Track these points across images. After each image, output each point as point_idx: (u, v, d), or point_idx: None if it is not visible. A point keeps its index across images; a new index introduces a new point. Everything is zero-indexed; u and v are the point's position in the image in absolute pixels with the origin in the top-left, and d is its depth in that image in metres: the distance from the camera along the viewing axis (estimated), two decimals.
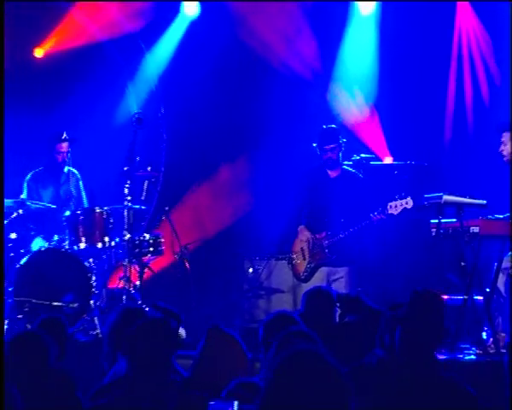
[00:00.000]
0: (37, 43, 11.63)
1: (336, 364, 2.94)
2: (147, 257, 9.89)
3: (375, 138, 11.33)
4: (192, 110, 11.68)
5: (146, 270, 9.95)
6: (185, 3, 11.84)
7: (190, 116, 11.71)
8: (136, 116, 9.87)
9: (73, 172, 10.50)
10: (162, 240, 9.95)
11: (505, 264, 8.88)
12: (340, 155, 9.57)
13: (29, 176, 10.38)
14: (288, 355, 2.96)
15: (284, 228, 10.27)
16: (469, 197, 8.91)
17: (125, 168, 9.70)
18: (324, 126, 9.66)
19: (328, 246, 9.40)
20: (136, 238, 9.81)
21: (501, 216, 8.86)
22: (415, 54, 11.25)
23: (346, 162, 9.92)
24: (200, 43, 11.64)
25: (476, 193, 9.08)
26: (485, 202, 8.93)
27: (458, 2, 11.41)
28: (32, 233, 10.01)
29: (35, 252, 9.58)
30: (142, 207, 10.13)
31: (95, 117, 11.50)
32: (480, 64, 11.32)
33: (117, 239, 9.84)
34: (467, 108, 11.32)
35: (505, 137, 9.22)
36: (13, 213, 9.70)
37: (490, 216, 8.89)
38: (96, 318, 9.34)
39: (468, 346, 8.81)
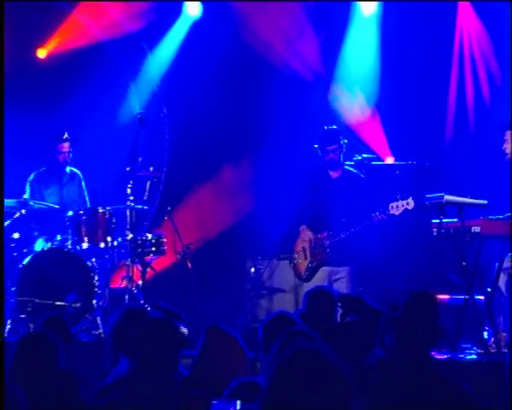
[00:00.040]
0: (40, 43, 11.65)
1: (339, 363, 2.93)
2: (149, 257, 9.90)
3: (376, 138, 11.35)
4: (194, 110, 11.69)
5: (148, 270, 9.97)
6: (187, 4, 11.86)
7: (192, 116, 11.72)
8: (139, 116, 9.89)
9: (76, 173, 10.52)
10: (164, 240, 9.96)
11: (506, 264, 8.90)
12: (342, 155, 9.58)
13: (32, 177, 10.40)
14: (290, 354, 2.95)
15: (286, 228, 10.27)
16: (470, 197, 8.93)
17: (128, 168, 9.71)
18: (325, 127, 9.67)
19: (329, 246, 9.42)
20: (139, 238, 9.82)
21: (501, 216, 8.89)
22: (416, 54, 11.25)
23: (347, 162, 9.93)
24: (203, 44, 11.65)
25: (477, 193, 9.10)
26: (486, 201, 8.94)
27: (459, 3, 11.42)
28: (36, 234, 10.03)
29: (38, 252, 9.61)
30: (145, 207, 10.15)
31: (97, 117, 11.52)
32: (482, 64, 11.32)
33: (119, 239, 9.85)
34: (468, 109, 11.32)
35: (508, 135, 9.24)
36: (16, 213, 9.72)
37: (491, 216, 8.91)
38: (98, 317, 9.35)
39: (469, 345, 8.83)
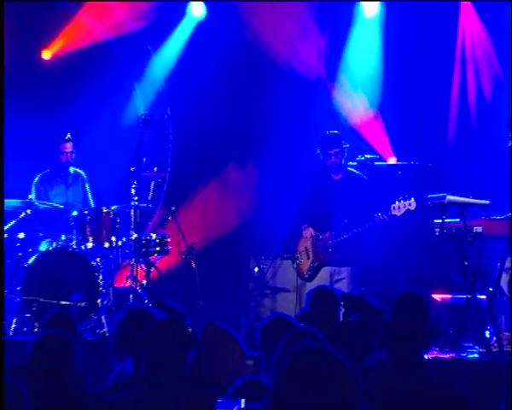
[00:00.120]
0: (45, 45, 11.67)
1: (346, 362, 2.92)
2: (153, 257, 9.93)
3: (379, 139, 11.37)
4: (198, 112, 11.70)
5: (152, 269, 10.00)
6: (191, 5, 11.88)
7: (196, 117, 11.74)
8: (143, 117, 9.91)
9: (79, 173, 10.54)
10: (168, 240, 9.99)
11: (508, 264, 8.94)
12: (344, 159, 9.60)
13: (37, 179, 10.43)
14: (298, 354, 2.93)
15: (289, 228, 10.29)
16: (472, 197, 8.97)
17: (132, 169, 9.73)
18: (327, 132, 9.69)
19: (331, 246, 9.45)
20: (143, 238, 9.86)
21: (503, 216, 8.91)
22: (418, 55, 11.27)
23: (350, 163, 9.96)
24: (207, 45, 11.66)
25: (479, 193, 9.13)
26: (488, 202, 8.98)
27: (461, 4, 11.43)
28: (41, 234, 10.08)
29: (43, 252, 9.64)
30: (150, 206, 10.18)
31: (102, 118, 11.53)
32: (484, 65, 11.34)
33: (124, 239, 9.89)
34: (470, 109, 11.34)
35: None
36: (21, 214, 9.76)
37: (493, 217, 8.95)
38: (103, 317, 9.39)
39: (471, 345, 8.86)
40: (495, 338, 8.76)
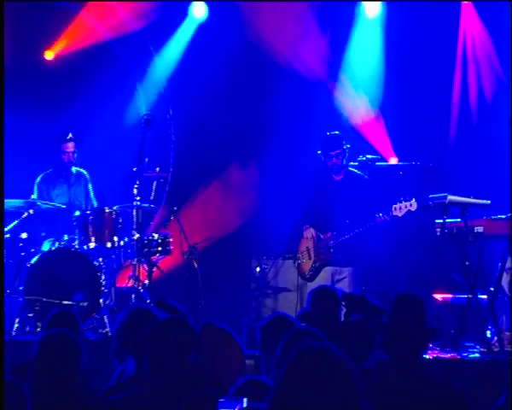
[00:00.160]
0: (48, 45, 11.69)
1: (347, 361, 2.92)
2: (155, 256, 9.95)
3: (380, 139, 11.38)
4: (200, 112, 11.72)
5: (155, 269, 10.02)
6: (193, 6, 11.90)
7: (198, 118, 11.76)
8: (145, 118, 9.93)
9: (82, 173, 10.54)
10: (171, 240, 10.00)
11: (509, 264, 8.95)
12: (345, 160, 9.61)
13: (39, 178, 10.44)
14: (300, 353, 2.93)
15: (291, 228, 10.31)
16: (473, 197, 8.98)
17: (134, 169, 9.74)
18: (328, 133, 9.70)
19: (333, 246, 9.46)
20: (145, 238, 9.87)
21: (504, 216, 8.93)
22: (420, 55, 11.29)
23: (351, 163, 9.98)
24: (209, 46, 11.68)
25: (480, 193, 9.15)
26: (489, 202, 9.00)
27: (462, 4, 11.45)
28: (43, 234, 10.11)
29: (45, 251, 9.66)
30: (152, 206, 10.20)
31: (104, 118, 11.55)
32: (485, 65, 11.35)
33: (126, 239, 9.90)
34: (471, 109, 11.35)
35: None
36: (23, 213, 9.78)
37: (494, 216, 8.96)
38: (105, 316, 9.39)
39: (472, 344, 8.88)
40: (496, 338, 8.78)
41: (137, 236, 9.74)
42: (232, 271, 11.09)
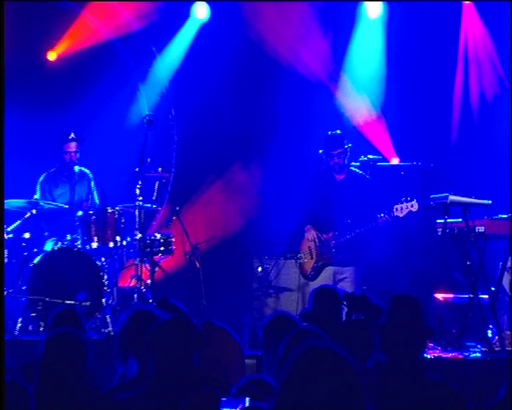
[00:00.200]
0: (50, 45, 11.70)
1: (351, 360, 2.94)
2: (158, 256, 9.96)
3: (381, 139, 11.40)
4: (202, 112, 11.75)
5: (157, 269, 10.04)
6: (195, 7, 11.92)
7: (200, 118, 11.78)
8: (148, 118, 9.94)
9: (85, 172, 10.56)
10: (173, 239, 10.03)
11: (510, 263, 8.98)
12: (346, 159, 9.63)
13: (42, 177, 10.46)
14: (303, 352, 2.94)
15: (292, 228, 10.33)
16: (475, 198, 9.00)
17: (137, 169, 9.76)
18: (330, 132, 9.72)
19: (335, 246, 9.48)
20: (148, 238, 9.89)
21: (505, 216, 8.95)
22: (421, 56, 11.31)
23: (353, 163, 10.00)
24: (211, 46, 11.71)
25: (481, 193, 9.17)
26: (490, 202, 9.01)
27: (464, 5, 11.46)
28: (46, 234, 10.14)
29: (48, 251, 9.68)
30: (154, 207, 10.23)
31: (107, 119, 11.57)
32: (486, 66, 11.37)
33: (128, 238, 9.92)
34: (472, 110, 11.37)
35: None
36: (26, 213, 9.80)
37: (495, 216, 8.98)
38: (107, 316, 9.41)
39: (473, 344, 8.90)
40: (497, 337, 8.80)
41: (140, 235, 9.76)
42: (234, 270, 11.11)
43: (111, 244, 9.80)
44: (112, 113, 11.63)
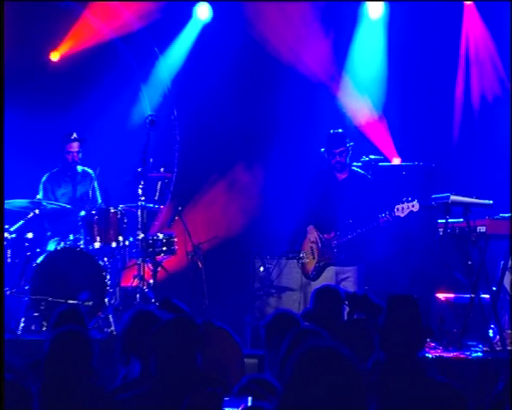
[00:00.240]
0: (52, 45, 11.71)
1: (353, 360, 2.95)
2: (160, 256, 9.98)
3: (383, 140, 11.42)
4: (204, 113, 11.76)
5: (159, 269, 10.06)
6: (198, 7, 11.94)
7: (202, 118, 11.80)
8: (150, 118, 9.96)
9: (88, 172, 10.56)
10: (175, 239, 10.05)
11: (511, 263, 9.00)
12: (348, 158, 9.64)
13: (45, 177, 10.48)
14: (307, 352, 2.96)
15: (294, 228, 10.34)
16: (476, 198, 9.02)
17: (139, 169, 9.78)
18: (332, 131, 9.73)
19: (336, 246, 9.50)
20: (150, 238, 9.91)
21: (507, 215, 8.97)
22: (423, 56, 11.32)
23: (354, 163, 10.01)
24: (213, 47, 11.73)
25: (483, 193, 9.19)
26: (491, 202, 9.03)
27: (465, 5, 11.48)
28: (49, 234, 10.17)
29: (51, 251, 9.71)
30: (156, 207, 10.25)
31: (110, 119, 11.59)
32: (488, 66, 11.39)
33: (131, 238, 9.94)
34: (474, 110, 11.38)
35: None
36: (29, 213, 9.82)
37: (496, 216, 9.00)
38: (110, 316, 9.42)
39: (475, 343, 8.92)
40: (498, 337, 8.82)
41: (142, 235, 9.78)
42: (236, 270, 11.12)
43: (113, 244, 9.82)
44: (114, 113, 11.64)
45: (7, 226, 9.76)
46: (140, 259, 9.78)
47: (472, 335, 9.00)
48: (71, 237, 9.90)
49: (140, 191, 9.82)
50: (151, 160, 9.90)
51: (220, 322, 5.36)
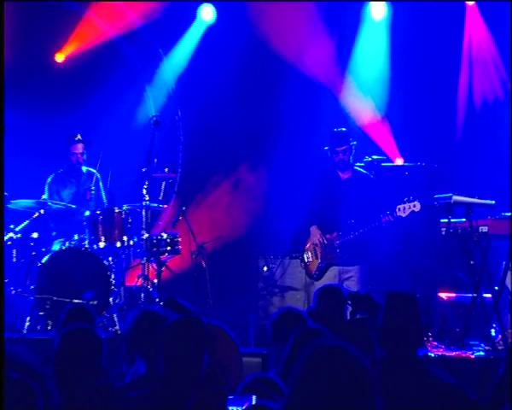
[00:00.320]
0: (57, 46, 11.74)
1: (361, 358, 2.97)
2: (164, 256, 10.02)
3: (386, 140, 11.44)
4: (208, 113, 11.80)
5: (163, 268, 10.11)
6: (202, 9, 11.98)
7: (206, 119, 11.83)
8: (154, 119, 10.00)
9: (93, 173, 10.58)
10: (179, 239, 10.08)
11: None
12: (351, 156, 9.66)
13: (50, 178, 10.52)
14: (315, 351, 2.97)
15: (298, 227, 10.37)
16: (477, 198, 9.06)
17: (144, 170, 9.83)
18: (335, 129, 9.77)
19: (339, 246, 9.53)
20: (154, 237, 9.95)
21: (508, 215, 9.00)
22: (425, 57, 11.34)
23: (357, 164, 10.04)
24: (217, 47, 11.75)
25: (485, 193, 9.22)
26: (493, 202, 9.06)
27: (467, 6, 11.50)
28: (54, 234, 10.22)
29: (56, 251, 9.75)
30: (160, 206, 10.29)
31: (114, 120, 11.62)
32: (490, 67, 11.41)
33: (135, 238, 9.99)
34: (476, 110, 11.40)
35: None
36: (34, 213, 9.87)
37: (498, 216, 9.03)
38: (115, 315, 9.46)
39: (477, 342, 8.94)
40: (500, 336, 8.85)
41: (146, 235, 9.82)
42: (240, 270, 11.15)
43: (118, 244, 9.87)
44: (119, 114, 11.67)
45: (12, 226, 9.82)
46: (144, 258, 9.82)
47: (474, 334, 9.02)
48: (76, 236, 9.94)
49: (144, 191, 9.86)
50: (155, 160, 9.94)
51: (217, 321, 5.38)
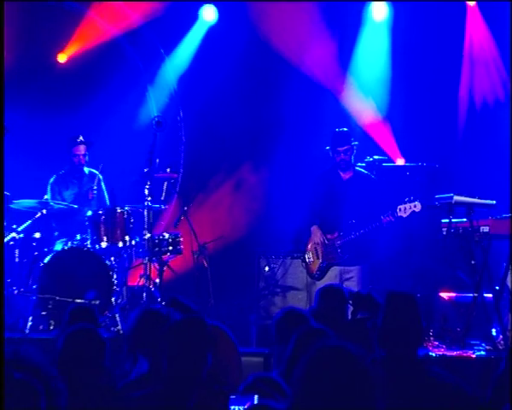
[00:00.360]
0: (59, 46, 11.76)
1: (363, 358, 2.99)
2: (166, 256, 10.04)
3: (387, 140, 11.46)
4: (210, 113, 11.82)
5: (165, 268, 10.13)
6: (204, 9, 12.00)
7: (208, 119, 11.86)
8: (156, 119, 10.02)
9: (95, 173, 10.59)
10: (181, 239, 10.11)
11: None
12: (353, 156, 9.66)
13: (52, 179, 10.53)
14: (318, 351, 2.98)
15: (299, 227, 10.39)
16: (479, 198, 9.08)
17: (146, 170, 9.85)
18: (337, 129, 9.79)
19: (340, 246, 9.55)
20: (156, 237, 9.97)
21: (509, 215, 9.02)
22: (426, 57, 11.36)
23: (359, 164, 10.06)
24: (219, 48, 11.77)
25: (486, 194, 9.24)
26: (494, 202, 9.08)
27: (468, 6, 11.52)
28: (56, 234, 10.24)
29: (58, 251, 9.77)
30: (162, 206, 10.32)
31: (117, 120, 11.63)
32: (491, 67, 11.42)
33: (137, 238, 10.01)
34: (477, 111, 11.41)
35: None
36: (37, 213, 9.90)
37: (499, 216, 9.05)
38: (117, 315, 9.48)
39: (477, 342, 8.95)
40: (501, 336, 8.87)
41: (148, 235, 9.84)
42: (241, 270, 11.16)
43: (120, 244, 9.89)
44: (121, 114, 11.68)
45: (14, 226, 9.85)
46: (146, 258, 9.84)
47: (475, 334, 9.04)
48: (78, 236, 9.96)
49: (146, 191, 9.89)
50: (157, 160, 9.95)
51: (218, 321, 5.39)
